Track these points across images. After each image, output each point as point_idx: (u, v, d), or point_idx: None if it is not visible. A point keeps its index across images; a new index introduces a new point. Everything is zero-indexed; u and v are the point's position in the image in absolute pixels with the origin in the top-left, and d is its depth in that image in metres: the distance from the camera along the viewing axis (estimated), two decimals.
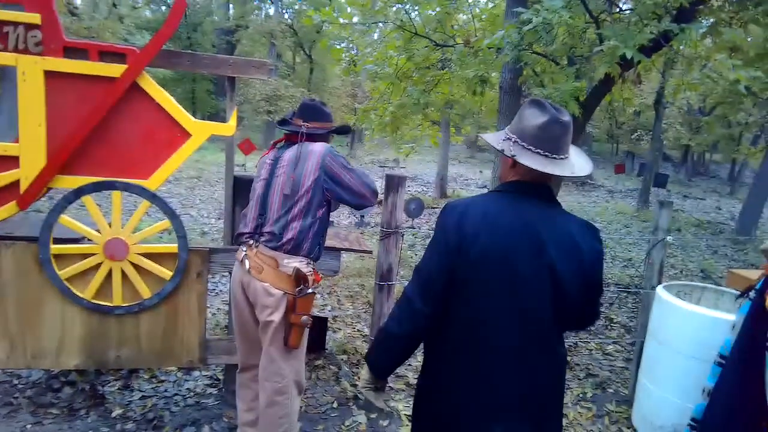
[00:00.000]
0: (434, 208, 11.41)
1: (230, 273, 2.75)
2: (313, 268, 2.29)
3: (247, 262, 2.24)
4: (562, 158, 1.47)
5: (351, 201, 2.30)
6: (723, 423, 2.28)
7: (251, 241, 2.27)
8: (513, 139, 1.48)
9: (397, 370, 3.66)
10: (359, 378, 1.71)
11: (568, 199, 14.25)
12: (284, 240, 2.18)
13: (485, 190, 14.58)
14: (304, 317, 2.18)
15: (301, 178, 2.20)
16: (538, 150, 1.44)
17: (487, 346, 1.48)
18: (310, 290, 2.19)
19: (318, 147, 2.26)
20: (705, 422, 2.39)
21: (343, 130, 2.58)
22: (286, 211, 2.20)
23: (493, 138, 1.55)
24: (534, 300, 1.46)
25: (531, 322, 1.47)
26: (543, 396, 1.52)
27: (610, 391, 3.70)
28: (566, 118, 1.46)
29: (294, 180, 2.20)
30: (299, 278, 2.17)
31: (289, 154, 2.28)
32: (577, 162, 1.52)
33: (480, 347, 1.49)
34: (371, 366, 1.65)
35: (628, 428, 3.22)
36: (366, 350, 1.81)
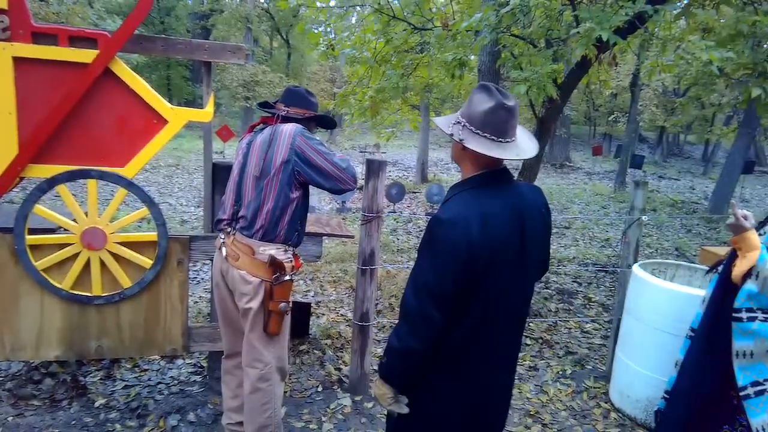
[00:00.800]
0: (415, 192, 11.45)
1: (211, 260, 2.74)
2: (294, 255, 2.29)
3: (224, 250, 2.24)
4: (508, 141, 1.55)
5: (325, 184, 2.21)
6: (691, 392, 2.37)
7: (228, 229, 2.27)
8: (462, 123, 1.56)
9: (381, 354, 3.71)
10: (377, 397, 1.69)
11: (547, 182, 14.41)
12: (257, 226, 2.17)
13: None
14: (282, 304, 2.18)
15: (271, 159, 2.17)
16: (485, 134, 1.52)
17: (496, 336, 1.62)
18: (287, 277, 2.18)
19: (289, 127, 2.22)
20: (674, 392, 2.48)
21: (325, 120, 2.49)
22: (257, 194, 2.18)
23: (444, 121, 1.63)
24: (528, 282, 1.67)
25: (525, 302, 1.70)
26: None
27: (589, 367, 3.80)
28: (511, 103, 1.54)
29: (265, 162, 2.18)
30: (275, 265, 2.16)
31: (262, 136, 2.25)
32: (523, 145, 1.60)
33: (490, 340, 1.62)
34: (397, 386, 1.65)
35: (606, 403, 3.32)
36: (378, 365, 1.78)
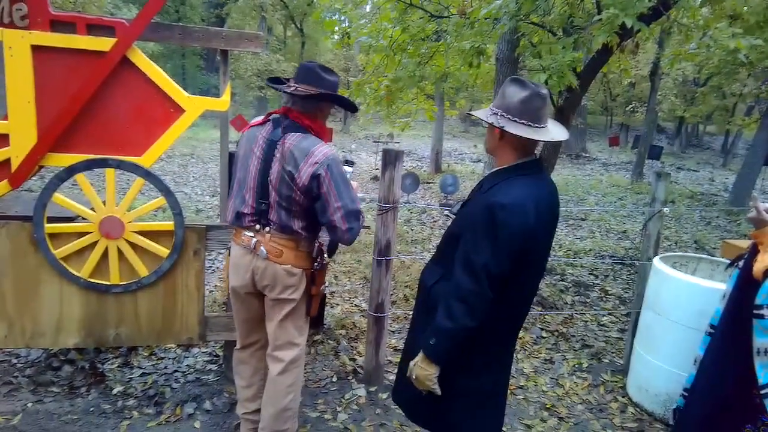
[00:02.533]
0: (429, 182, 11.39)
1: (227, 250, 2.74)
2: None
3: (263, 249, 2.12)
4: (543, 127, 1.72)
5: (322, 220, 2.12)
6: (711, 391, 2.32)
7: (258, 226, 2.15)
8: (499, 114, 1.72)
9: (396, 345, 3.70)
10: (420, 378, 1.78)
11: (563, 173, 14.26)
12: (296, 227, 2.13)
13: (480, 165, 14.55)
14: (323, 287, 2.29)
15: (294, 178, 2.04)
16: (523, 121, 1.69)
17: (520, 315, 1.90)
18: (325, 261, 2.26)
19: (323, 150, 2.07)
20: (693, 390, 2.43)
21: (343, 102, 2.27)
22: (287, 204, 2.09)
23: (483, 113, 1.80)
24: (545, 265, 1.92)
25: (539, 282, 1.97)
26: None
27: (605, 361, 3.76)
28: (544, 91, 1.72)
29: (288, 179, 2.05)
30: (320, 254, 2.23)
31: (291, 141, 2.07)
32: (554, 130, 1.77)
33: (517, 318, 1.90)
34: (444, 364, 1.76)
35: (623, 397, 3.28)
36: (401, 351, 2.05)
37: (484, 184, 1.83)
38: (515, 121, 1.69)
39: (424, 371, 1.75)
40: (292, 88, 2.11)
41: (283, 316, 2.23)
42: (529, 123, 1.69)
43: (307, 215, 2.14)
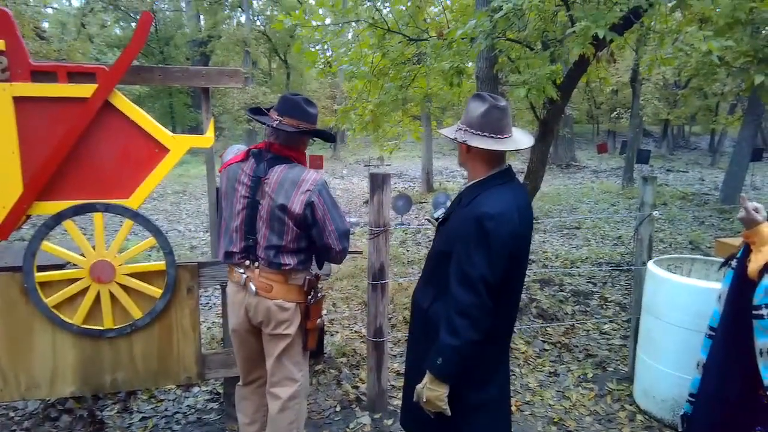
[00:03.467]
0: (422, 203, 11.42)
1: (222, 286, 2.72)
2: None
3: (252, 285, 2.13)
4: (506, 137, 1.80)
5: (318, 244, 2.15)
6: (717, 396, 2.29)
7: (247, 262, 2.15)
8: (463, 129, 1.81)
9: (398, 369, 3.65)
10: (431, 399, 1.75)
11: (554, 183, 14.34)
12: (285, 263, 2.11)
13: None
14: (319, 320, 2.23)
15: (286, 207, 2.05)
16: (485, 133, 1.77)
17: (513, 314, 1.96)
18: (320, 294, 2.22)
19: (312, 176, 2.11)
20: (701, 395, 2.40)
21: (324, 135, 2.34)
22: (277, 237, 2.09)
23: (449, 131, 1.89)
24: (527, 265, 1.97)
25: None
26: None
27: (610, 369, 3.73)
28: (503, 103, 1.79)
29: (280, 208, 2.05)
30: (311, 287, 2.19)
31: (278, 174, 2.08)
32: (519, 139, 1.84)
33: (511, 319, 1.96)
34: (453, 382, 1.75)
35: (631, 405, 3.25)
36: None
37: (463, 198, 1.88)
38: (478, 134, 1.77)
39: (434, 392, 1.74)
40: (276, 122, 2.11)
41: (280, 352, 2.19)
42: (492, 135, 1.77)
43: (297, 248, 2.13)
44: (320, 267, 2.37)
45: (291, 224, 2.07)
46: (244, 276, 2.15)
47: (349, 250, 3.14)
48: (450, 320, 1.70)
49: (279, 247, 2.09)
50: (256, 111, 2.23)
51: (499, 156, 1.83)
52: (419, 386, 1.80)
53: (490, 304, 1.69)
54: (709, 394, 2.33)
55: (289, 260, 2.12)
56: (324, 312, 4.93)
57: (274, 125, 2.10)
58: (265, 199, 2.08)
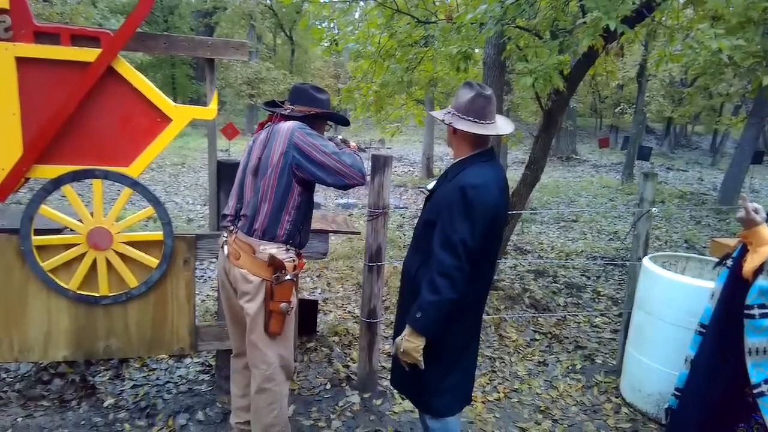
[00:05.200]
0: (420, 187, 11.41)
1: (218, 259, 2.73)
2: (297, 254, 2.25)
3: (226, 248, 2.22)
4: (489, 123, 1.96)
5: (327, 179, 2.14)
6: (704, 392, 2.32)
7: (231, 227, 2.24)
8: (452, 112, 1.98)
9: (389, 351, 3.69)
10: (407, 350, 1.93)
11: (554, 175, 14.34)
12: (256, 225, 2.13)
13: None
14: (283, 304, 2.13)
15: (268, 157, 2.13)
16: (470, 118, 1.94)
17: (490, 279, 2.11)
18: (288, 277, 2.13)
19: (288, 124, 2.17)
20: (686, 391, 2.43)
21: (335, 118, 2.40)
22: (255, 193, 2.15)
23: (439, 113, 2.05)
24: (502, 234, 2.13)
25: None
26: None
27: (599, 362, 3.77)
28: (488, 92, 1.96)
29: (261, 159, 2.15)
30: (275, 265, 2.11)
31: (263, 135, 2.22)
32: (501, 125, 2.01)
33: (488, 283, 2.10)
34: (430, 336, 1.92)
35: (617, 398, 3.29)
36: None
37: (449, 173, 2.05)
38: (463, 118, 1.94)
39: (411, 343, 1.91)
40: (288, 110, 2.23)
41: (250, 329, 2.19)
42: (475, 120, 1.94)
43: (273, 213, 2.12)
44: (355, 181, 2.21)
45: (271, 174, 2.11)
46: (224, 238, 2.27)
47: (346, 230, 3.16)
48: (431, 280, 1.86)
49: (256, 200, 2.15)
50: (271, 104, 2.35)
51: (482, 138, 1.99)
52: (398, 338, 1.98)
53: (468, 267, 1.84)
54: (695, 391, 2.36)
55: (258, 229, 2.13)
56: (318, 291, 4.96)
57: (287, 113, 2.23)
58: (252, 157, 2.20)
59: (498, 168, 2.02)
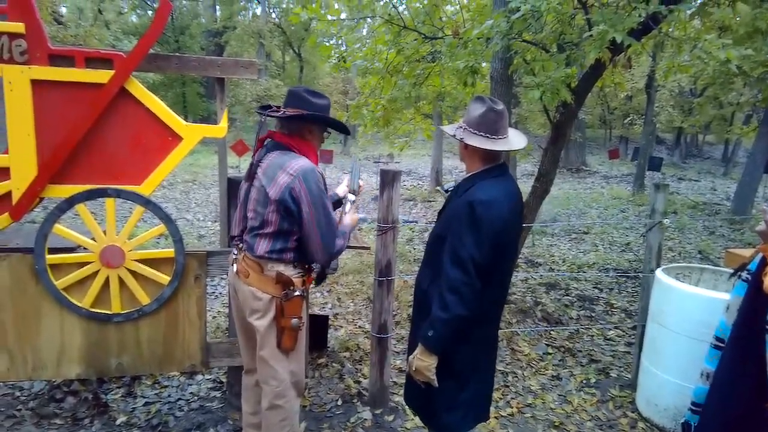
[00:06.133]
0: (429, 201, 11.41)
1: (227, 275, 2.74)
2: (307, 269, 2.24)
3: (235, 266, 2.24)
4: (501, 138, 1.94)
5: (309, 244, 2.11)
6: (724, 409, 2.27)
7: (240, 244, 2.27)
8: (463, 128, 1.97)
9: (401, 366, 3.66)
10: (420, 369, 1.92)
11: (564, 187, 14.27)
12: (262, 249, 2.12)
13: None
14: (294, 320, 2.13)
15: (267, 190, 2.07)
16: (481, 133, 1.93)
17: (503, 295, 2.11)
18: (297, 293, 2.12)
19: (300, 163, 2.08)
20: (707, 408, 2.38)
21: (333, 124, 2.29)
22: (259, 220, 2.12)
23: (450, 128, 2.03)
24: (517, 252, 2.15)
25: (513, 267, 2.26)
26: None
27: (613, 375, 3.72)
28: (500, 107, 1.94)
29: (264, 191, 2.09)
30: (283, 281, 2.12)
31: (269, 159, 2.14)
32: (514, 140, 1.99)
33: (501, 300, 2.11)
34: (441, 353, 1.91)
35: (633, 412, 3.23)
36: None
37: (459, 188, 2.05)
38: (474, 133, 1.93)
39: (423, 362, 1.90)
40: (279, 112, 2.16)
41: (260, 346, 2.19)
42: (487, 135, 1.92)
43: (274, 237, 2.11)
44: (319, 282, 2.39)
45: (271, 210, 2.08)
46: (234, 256, 2.28)
47: (356, 244, 3.16)
48: (441, 296, 1.85)
49: (257, 233, 2.14)
50: (267, 107, 2.28)
51: (493, 153, 1.96)
52: (411, 356, 1.97)
53: (478, 283, 1.82)
54: (716, 406, 2.31)
55: (264, 248, 2.12)
56: (328, 306, 4.95)
57: (278, 115, 2.17)
58: (255, 184, 2.17)
59: (510, 183, 2.00)
